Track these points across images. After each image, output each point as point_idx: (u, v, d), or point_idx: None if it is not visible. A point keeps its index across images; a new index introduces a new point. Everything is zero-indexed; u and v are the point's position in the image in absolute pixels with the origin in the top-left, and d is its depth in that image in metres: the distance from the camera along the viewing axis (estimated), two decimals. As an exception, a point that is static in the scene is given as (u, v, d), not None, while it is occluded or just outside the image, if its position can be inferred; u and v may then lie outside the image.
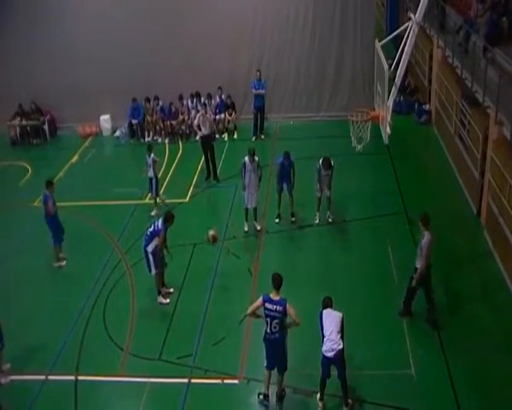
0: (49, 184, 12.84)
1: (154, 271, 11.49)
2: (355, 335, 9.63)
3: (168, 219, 11.39)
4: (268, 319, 8.62)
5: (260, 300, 8.65)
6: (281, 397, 9.23)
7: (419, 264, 10.33)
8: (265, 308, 8.58)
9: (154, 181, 14.69)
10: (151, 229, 11.41)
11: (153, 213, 14.59)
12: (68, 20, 19.56)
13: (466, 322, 10.46)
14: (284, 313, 8.51)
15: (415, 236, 13.20)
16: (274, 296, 8.58)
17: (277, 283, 8.60)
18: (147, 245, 11.39)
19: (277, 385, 9.18)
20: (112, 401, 9.73)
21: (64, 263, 13.20)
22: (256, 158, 13.25)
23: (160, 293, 11.73)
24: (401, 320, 10.68)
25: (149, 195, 14.98)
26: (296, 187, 13.90)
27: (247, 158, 13.26)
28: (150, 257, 11.41)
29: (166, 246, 11.59)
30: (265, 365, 9.08)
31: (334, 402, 9.10)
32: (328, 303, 8.86)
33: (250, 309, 8.78)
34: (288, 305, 8.53)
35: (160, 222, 11.37)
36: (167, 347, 10.52)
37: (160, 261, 11.54)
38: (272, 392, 9.26)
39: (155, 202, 14.86)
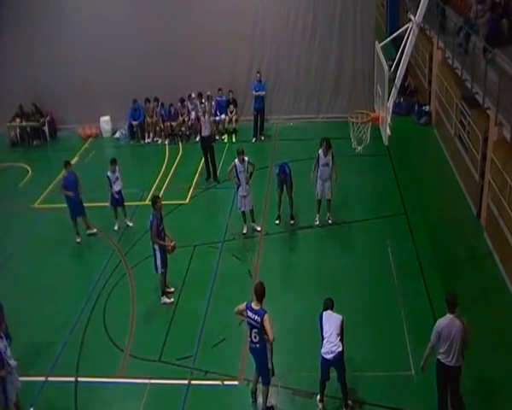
0: (66, 163, 13.98)
1: (160, 270, 11.53)
2: (355, 336, 9.62)
3: (154, 202, 11.37)
4: (248, 327, 8.59)
5: (243, 305, 8.62)
6: None
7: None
8: (247, 315, 8.53)
9: (122, 191, 14.35)
10: (148, 226, 11.45)
11: (130, 224, 14.50)
12: (68, 21, 19.57)
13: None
14: (262, 324, 8.35)
15: (414, 237, 13.23)
16: (255, 306, 8.47)
17: (257, 293, 8.46)
18: (153, 243, 11.44)
19: (262, 400, 9.03)
20: (112, 402, 9.70)
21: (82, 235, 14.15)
22: (246, 158, 13.23)
23: (163, 293, 11.75)
24: (401, 321, 10.67)
25: (118, 210, 14.48)
26: (296, 189, 13.90)
27: (236, 160, 13.24)
28: (157, 254, 11.45)
29: (164, 238, 11.43)
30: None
31: (334, 404, 9.09)
32: (328, 305, 8.84)
33: (235, 309, 8.79)
34: (265, 317, 8.32)
35: (150, 214, 11.36)
36: (167, 348, 10.51)
37: (166, 260, 11.57)
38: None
39: (125, 213, 14.57)
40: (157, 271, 11.60)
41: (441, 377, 8.44)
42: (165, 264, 11.59)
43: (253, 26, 19.61)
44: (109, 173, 14.06)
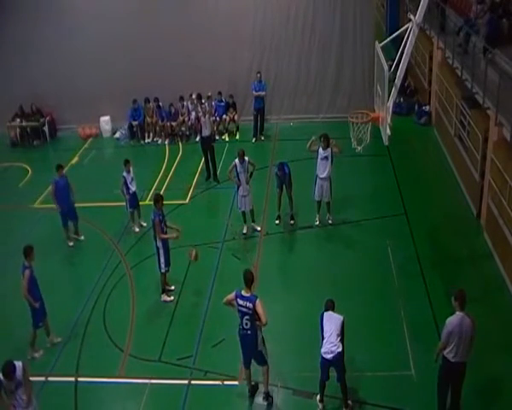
0: (58, 167, 13.72)
1: (163, 268, 11.61)
2: (355, 336, 9.61)
3: (156, 200, 11.45)
4: (240, 315, 8.72)
5: (233, 294, 8.76)
6: (266, 398, 9.17)
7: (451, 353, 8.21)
8: (237, 304, 8.68)
9: (136, 193, 14.27)
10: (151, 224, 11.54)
11: (137, 230, 14.29)
12: (69, 21, 19.56)
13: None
14: (254, 309, 8.52)
15: (414, 237, 13.23)
16: (245, 293, 8.64)
17: (247, 280, 8.65)
18: (156, 241, 11.52)
19: (263, 381, 9.16)
20: (112, 402, 9.73)
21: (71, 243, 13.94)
22: (246, 158, 13.24)
23: (164, 291, 11.79)
24: (401, 321, 10.67)
25: (135, 212, 14.34)
26: (296, 189, 13.91)
27: (236, 160, 13.25)
28: (161, 252, 11.52)
29: (165, 230, 11.49)
30: (242, 362, 9.14)
31: (334, 404, 9.10)
32: (329, 306, 8.85)
33: (224, 299, 8.92)
34: (257, 301, 8.52)
35: (152, 213, 11.45)
36: (167, 348, 10.52)
37: (169, 259, 11.65)
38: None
39: (139, 214, 14.40)
40: (161, 269, 11.63)
41: (445, 375, 8.41)
42: (168, 262, 11.66)
43: (253, 26, 19.62)
44: (125, 174, 13.89)
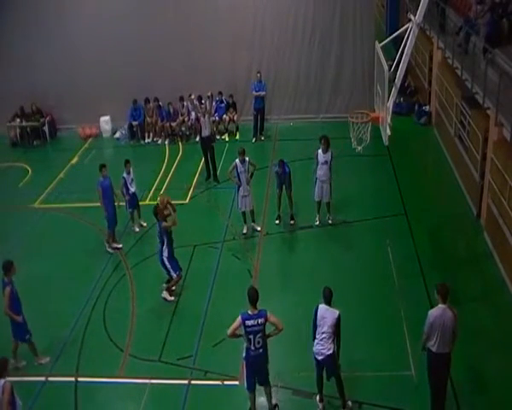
0: (101, 167, 13.34)
1: (174, 274, 11.67)
2: (355, 336, 9.63)
3: (157, 212, 11.45)
4: (251, 336, 8.35)
5: (239, 320, 8.34)
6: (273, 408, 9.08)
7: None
8: (246, 326, 8.29)
9: (136, 194, 14.22)
10: (158, 238, 11.56)
11: (137, 230, 14.27)
12: (68, 21, 19.58)
13: (466, 323, 10.38)
14: (265, 323, 8.31)
15: (414, 237, 13.23)
16: (252, 311, 8.31)
17: (253, 299, 8.31)
18: (161, 254, 11.57)
19: (267, 399, 8.98)
20: (112, 402, 9.72)
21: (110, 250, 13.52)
22: (247, 158, 13.24)
23: (168, 289, 11.79)
24: (401, 321, 10.67)
25: (135, 212, 14.33)
26: (296, 189, 13.92)
27: (237, 160, 13.24)
28: (167, 263, 11.58)
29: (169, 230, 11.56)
30: (246, 387, 8.75)
31: (334, 404, 9.08)
32: (327, 297, 8.57)
33: (230, 331, 8.39)
34: (268, 314, 8.32)
35: (157, 225, 11.52)
36: (167, 348, 10.51)
37: (178, 264, 11.73)
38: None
39: (139, 214, 14.42)
40: (172, 277, 11.71)
41: (433, 366, 8.45)
42: (178, 267, 11.72)
43: (253, 26, 19.62)
44: (125, 174, 13.85)
